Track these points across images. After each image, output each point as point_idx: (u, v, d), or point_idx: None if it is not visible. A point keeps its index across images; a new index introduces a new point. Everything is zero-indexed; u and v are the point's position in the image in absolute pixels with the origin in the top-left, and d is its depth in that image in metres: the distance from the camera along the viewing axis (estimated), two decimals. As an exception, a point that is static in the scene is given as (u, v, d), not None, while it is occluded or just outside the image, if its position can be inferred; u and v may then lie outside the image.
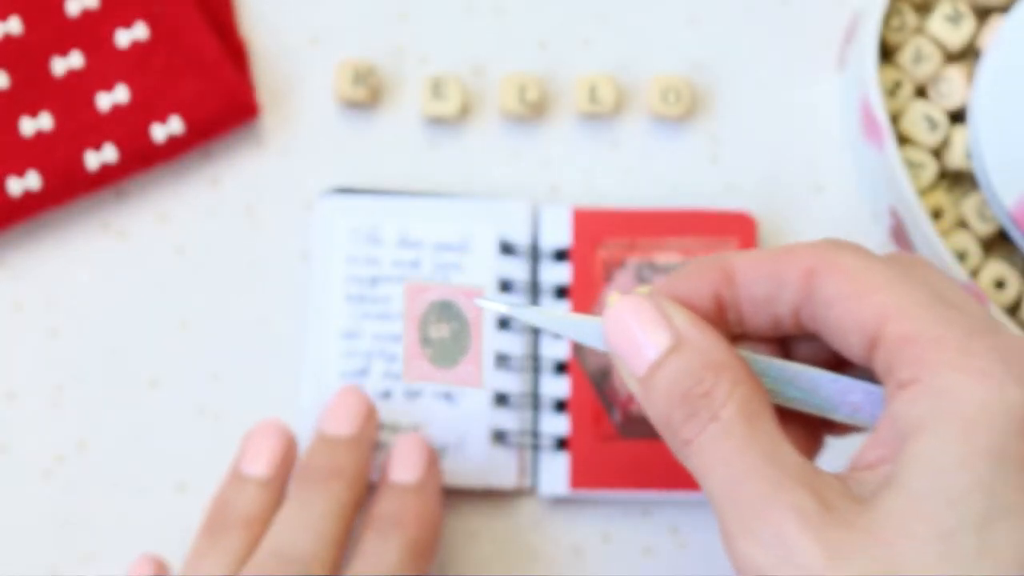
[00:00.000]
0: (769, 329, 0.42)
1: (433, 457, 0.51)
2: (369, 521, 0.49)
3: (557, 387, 0.53)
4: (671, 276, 0.42)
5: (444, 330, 0.48)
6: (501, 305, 0.45)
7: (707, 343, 0.39)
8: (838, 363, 0.42)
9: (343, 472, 0.48)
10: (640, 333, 0.40)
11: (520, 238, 0.54)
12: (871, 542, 0.35)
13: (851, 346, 0.40)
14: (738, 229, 0.54)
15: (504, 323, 0.53)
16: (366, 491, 0.50)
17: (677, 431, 0.39)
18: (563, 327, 0.43)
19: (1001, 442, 0.36)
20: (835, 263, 0.40)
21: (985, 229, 0.54)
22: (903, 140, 0.54)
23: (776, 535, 0.36)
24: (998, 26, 0.53)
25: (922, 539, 0.35)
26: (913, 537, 0.35)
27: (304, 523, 0.47)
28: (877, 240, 0.56)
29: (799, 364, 0.42)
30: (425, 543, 0.49)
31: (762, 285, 0.41)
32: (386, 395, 0.53)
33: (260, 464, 0.50)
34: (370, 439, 0.50)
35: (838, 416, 0.42)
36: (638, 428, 0.52)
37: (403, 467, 0.50)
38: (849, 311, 0.39)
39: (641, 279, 0.53)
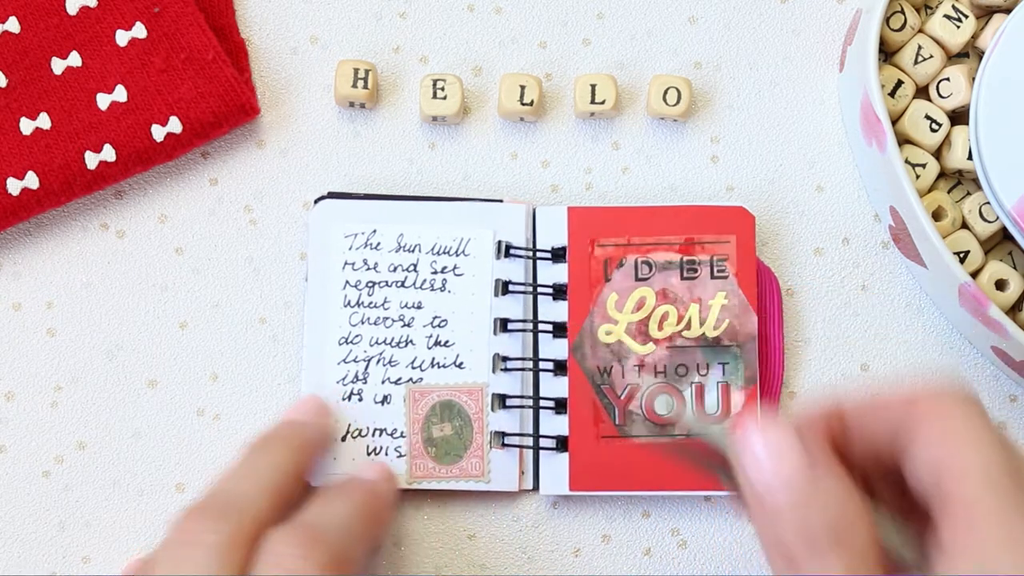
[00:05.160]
0: (870, 462, 0.43)
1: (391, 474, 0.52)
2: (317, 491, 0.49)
3: (556, 387, 0.53)
4: (809, 412, 0.44)
5: (447, 429, 0.52)
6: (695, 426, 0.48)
7: (846, 486, 0.40)
8: (912, 510, 0.42)
9: (291, 440, 0.49)
10: (784, 458, 0.41)
11: (517, 239, 0.54)
12: None
13: (920, 480, 0.41)
14: (736, 225, 0.53)
15: (504, 325, 0.53)
16: (312, 464, 0.50)
17: (799, 560, 0.40)
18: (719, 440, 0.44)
19: None
20: (937, 405, 0.41)
21: (985, 229, 0.54)
22: (903, 140, 0.54)
23: None
24: (999, 26, 0.53)
25: None
26: None
27: (246, 472, 0.47)
28: (877, 240, 0.56)
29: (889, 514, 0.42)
30: (376, 511, 0.49)
31: (880, 422, 0.42)
32: (385, 400, 0.53)
33: None
34: (323, 429, 0.52)
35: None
36: (637, 428, 0.52)
37: (364, 471, 0.51)
38: (928, 448, 0.40)
39: (639, 277, 0.53)
